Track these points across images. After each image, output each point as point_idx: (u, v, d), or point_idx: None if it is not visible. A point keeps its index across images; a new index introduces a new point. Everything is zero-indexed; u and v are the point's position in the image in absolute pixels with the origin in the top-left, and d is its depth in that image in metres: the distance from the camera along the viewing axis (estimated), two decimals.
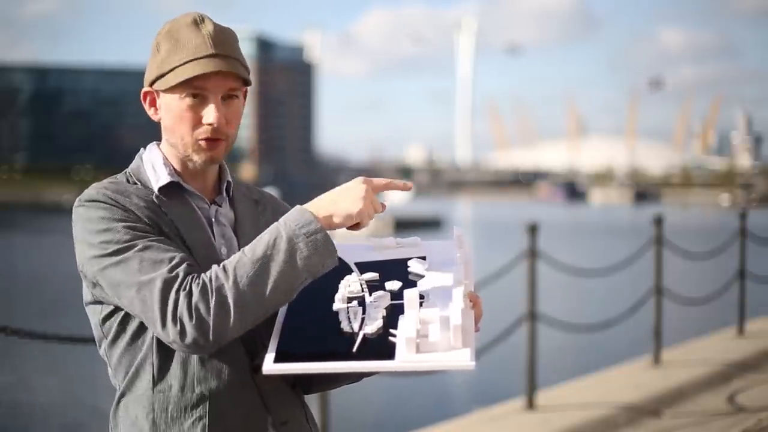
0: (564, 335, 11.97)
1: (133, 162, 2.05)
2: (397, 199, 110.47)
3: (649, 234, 9.54)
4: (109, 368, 2.00)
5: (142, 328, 1.92)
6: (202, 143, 1.96)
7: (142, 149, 2.07)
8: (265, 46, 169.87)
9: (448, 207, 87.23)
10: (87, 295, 1.97)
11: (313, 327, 1.88)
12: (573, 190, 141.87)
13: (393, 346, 1.78)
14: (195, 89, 1.93)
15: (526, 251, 7.56)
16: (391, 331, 1.81)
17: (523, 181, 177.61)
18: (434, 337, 1.75)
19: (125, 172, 2.03)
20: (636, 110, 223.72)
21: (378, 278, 1.96)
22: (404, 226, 48.54)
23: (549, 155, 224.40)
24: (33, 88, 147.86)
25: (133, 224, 1.88)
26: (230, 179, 2.09)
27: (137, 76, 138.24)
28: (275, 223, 1.85)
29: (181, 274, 1.81)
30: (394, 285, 1.93)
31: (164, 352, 1.91)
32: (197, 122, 1.95)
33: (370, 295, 1.92)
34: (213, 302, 1.78)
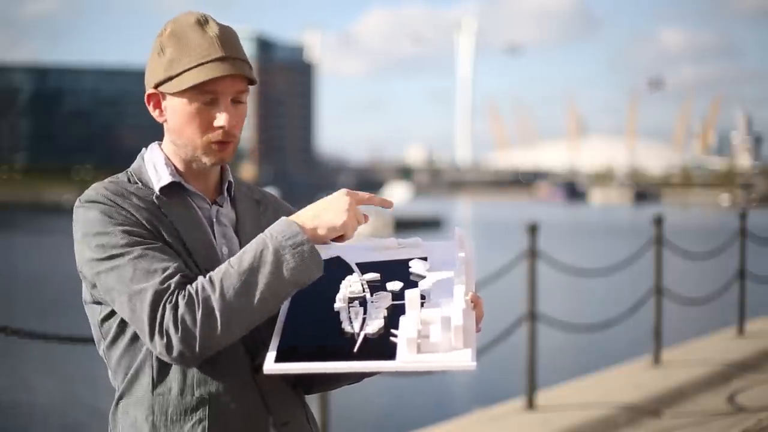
0: (564, 335, 11.97)
1: (135, 162, 2.05)
2: (397, 199, 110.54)
3: (649, 234, 9.54)
4: (108, 369, 2.00)
5: None
6: (213, 146, 1.96)
7: (144, 149, 2.07)
8: (265, 46, 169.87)
9: (448, 207, 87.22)
10: (86, 294, 1.97)
11: (314, 327, 1.87)
12: (573, 190, 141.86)
13: (394, 346, 1.78)
14: (205, 93, 1.93)
15: (526, 251, 7.56)
16: (392, 331, 1.81)
17: (523, 181, 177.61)
18: (435, 337, 1.75)
19: (127, 172, 2.03)
20: (636, 110, 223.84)
21: (379, 278, 1.96)
22: (404, 226, 48.55)
23: (549, 155, 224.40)
24: (33, 88, 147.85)
25: (131, 228, 1.88)
26: (231, 179, 2.08)
27: (137, 76, 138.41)
28: (261, 234, 1.86)
29: (172, 286, 1.81)
30: (395, 285, 1.93)
31: None
32: (208, 125, 1.95)
33: (372, 295, 1.92)
34: (199, 314, 1.78)
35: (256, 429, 1.93)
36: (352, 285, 1.93)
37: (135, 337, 1.92)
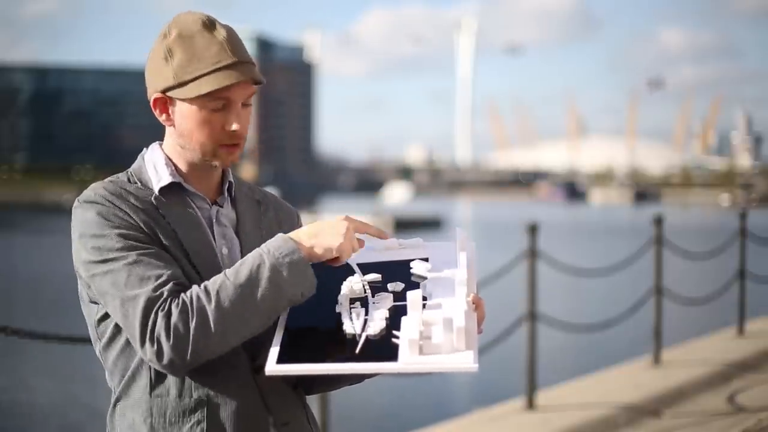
0: (564, 335, 11.97)
1: (135, 161, 2.04)
2: (397, 199, 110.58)
3: (649, 234, 9.54)
4: (105, 369, 2.00)
5: None
6: (224, 149, 1.97)
7: (144, 149, 2.07)
8: (265, 46, 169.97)
9: (448, 207, 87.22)
10: (83, 294, 1.97)
11: (315, 328, 1.87)
12: (573, 190, 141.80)
13: (396, 347, 1.78)
14: (218, 99, 1.93)
15: (526, 251, 7.56)
16: (394, 332, 1.81)
17: (523, 181, 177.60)
18: (437, 339, 1.75)
19: (127, 172, 2.02)
20: (636, 110, 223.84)
21: (380, 279, 1.96)
22: (404, 226, 48.56)
23: (549, 155, 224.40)
24: (33, 88, 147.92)
25: (127, 232, 1.87)
26: (232, 179, 2.08)
27: (137, 76, 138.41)
28: (258, 249, 1.87)
29: (165, 294, 1.81)
30: (396, 286, 1.93)
31: None
32: (219, 130, 1.95)
33: (373, 296, 1.92)
34: (193, 323, 1.79)
35: (256, 430, 1.93)
36: (353, 286, 1.93)
37: None
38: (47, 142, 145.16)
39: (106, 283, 1.85)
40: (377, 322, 1.84)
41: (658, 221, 9.22)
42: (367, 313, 1.87)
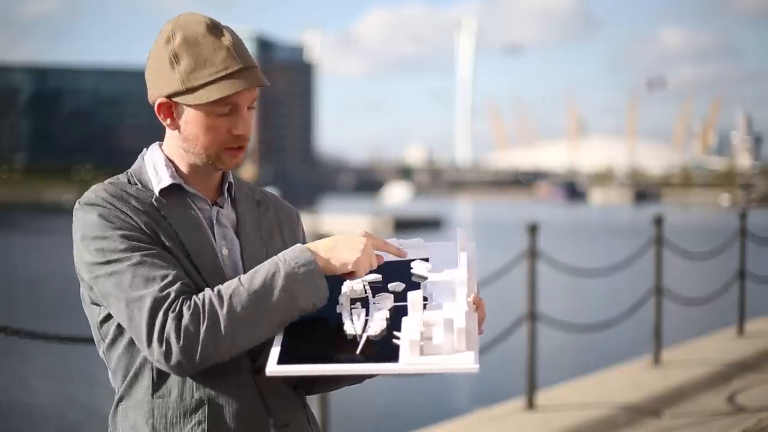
0: (564, 335, 11.98)
1: (135, 162, 2.04)
2: (398, 199, 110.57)
3: (649, 234, 9.54)
4: (108, 370, 2.00)
5: None
6: (228, 153, 1.97)
7: (144, 149, 2.07)
8: (265, 46, 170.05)
9: (448, 207, 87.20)
10: (85, 296, 1.97)
11: (316, 328, 1.87)
12: (573, 190, 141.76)
13: (396, 348, 1.78)
14: (226, 104, 1.93)
15: (526, 251, 7.56)
16: (395, 333, 1.81)
17: (523, 181, 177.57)
18: (438, 339, 1.75)
19: (127, 173, 2.02)
20: (636, 110, 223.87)
21: (381, 279, 1.96)
22: (404, 226, 48.55)
23: (549, 155, 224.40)
24: (33, 88, 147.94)
25: (129, 233, 1.87)
26: (232, 180, 2.08)
27: (137, 76, 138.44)
28: (274, 257, 1.87)
29: (172, 294, 1.81)
30: (397, 286, 1.93)
31: None
32: (226, 134, 1.95)
33: (374, 296, 1.92)
34: (204, 327, 1.79)
35: (256, 431, 1.93)
36: (354, 286, 1.93)
37: (134, 340, 1.92)
38: (47, 142, 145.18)
39: (110, 284, 1.85)
40: (378, 323, 1.84)
41: (658, 221, 9.22)
42: (367, 314, 1.87)
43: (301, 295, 1.83)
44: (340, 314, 1.89)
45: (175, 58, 1.93)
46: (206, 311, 1.80)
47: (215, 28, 1.95)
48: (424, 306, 1.83)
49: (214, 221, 2.02)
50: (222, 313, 1.80)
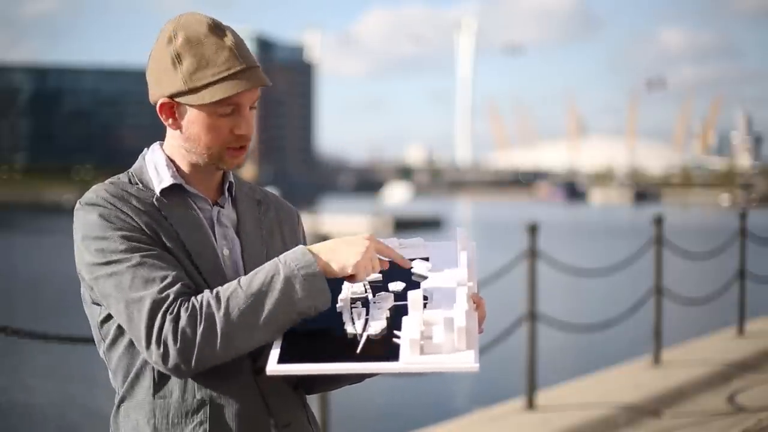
0: (564, 335, 11.98)
1: (136, 162, 2.04)
2: (397, 199, 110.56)
3: (649, 234, 9.54)
4: (108, 370, 2.00)
5: None
6: (231, 152, 1.97)
7: (145, 149, 2.06)
8: (265, 46, 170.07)
9: (448, 207, 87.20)
10: (86, 296, 1.97)
11: (316, 328, 1.87)
12: (573, 190, 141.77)
13: (397, 347, 1.78)
14: (228, 104, 1.93)
15: (526, 251, 7.56)
16: (395, 332, 1.81)
17: (523, 181, 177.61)
18: (438, 338, 1.75)
19: (128, 173, 2.02)
20: (636, 110, 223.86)
21: (381, 279, 1.96)
22: (404, 225, 48.56)
23: (549, 155, 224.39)
24: (33, 88, 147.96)
25: (130, 234, 1.87)
26: (232, 180, 2.08)
27: (137, 76, 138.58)
28: (275, 259, 1.86)
29: (171, 296, 1.81)
30: (397, 286, 1.93)
31: None
32: (228, 133, 1.95)
33: (374, 296, 1.92)
34: (201, 329, 1.79)
35: (257, 431, 1.93)
36: (354, 285, 1.93)
37: None
38: (47, 142, 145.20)
39: (110, 285, 1.85)
40: (378, 322, 1.84)
41: (658, 221, 9.22)
42: (368, 313, 1.87)
43: (301, 298, 1.82)
44: (340, 314, 1.89)
45: (177, 59, 1.92)
46: (203, 313, 1.79)
47: (217, 28, 1.95)
48: (425, 305, 1.83)
49: (215, 221, 2.02)
50: (219, 316, 1.79)
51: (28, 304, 20.50)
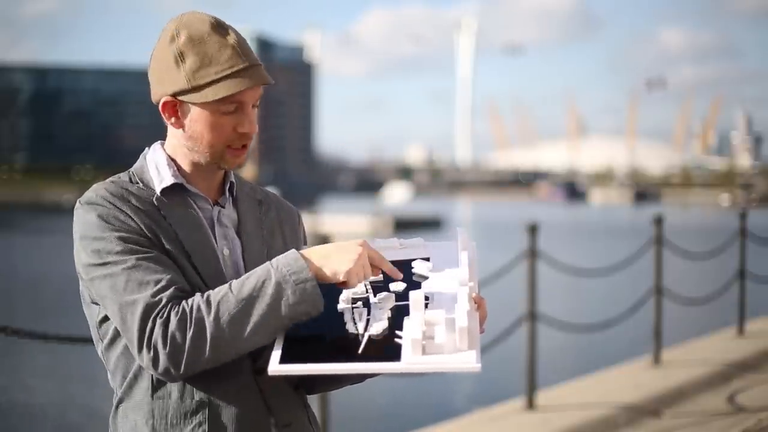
0: (564, 335, 11.98)
1: (137, 161, 2.04)
2: (397, 199, 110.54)
3: (649, 234, 9.54)
4: (107, 370, 2.00)
5: None
6: (234, 151, 1.97)
7: (146, 149, 2.06)
8: (265, 46, 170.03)
9: (448, 207, 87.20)
10: (85, 295, 1.96)
11: (318, 328, 1.87)
12: (573, 190, 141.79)
13: (398, 347, 1.78)
14: (231, 102, 1.93)
15: (526, 251, 7.56)
16: (397, 332, 1.81)
17: (523, 181, 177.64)
18: (440, 339, 1.75)
19: (129, 172, 2.02)
20: (636, 110, 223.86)
21: (382, 279, 1.95)
22: (404, 225, 48.57)
23: (549, 155, 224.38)
24: (33, 88, 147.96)
25: (127, 235, 1.87)
26: (233, 179, 2.08)
27: (137, 76, 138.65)
28: (267, 263, 1.85)
29: (164, 300, 1.81)
30: (398, 286, 1.93)
31: None
32: (231, 132, 1.95)
33: (375, 296, 1.92)
34: (190, 333, 1.78)
35: (257, 431, 1.93)
36: None
37: None
38: (47, 142, 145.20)
39: (105, 286, 1.85)
40: (380, 322, 1.84)
41: (658, 221, 9.22)
42: (369, 313, 1.87)
43: (292, 304, 1.81)
44: (341, 314, 1.89)
45: (180, 57, 1.92)
46: (193, 318, 1.79)
47: (220, 27, 1.95)
48: (426, 305, 1.83)
49: (215, 221, 2.01)
50: (209, 321, 1.79)
51: (28, 304, 20.50)
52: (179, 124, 1.97)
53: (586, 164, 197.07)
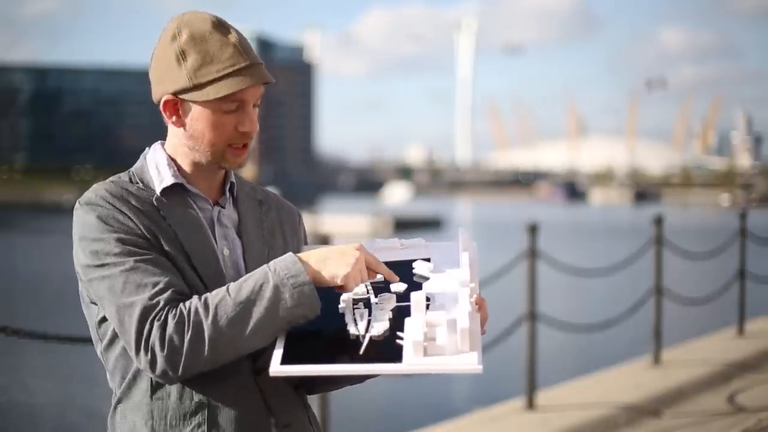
0: (564, 335, 11.98)
1: (137, 161, 2.04)
2: (397, 199, 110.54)
3: (649, 234, 9.54)
4: (106, 370, 2.00)
5: None
6: (235, 150, 1.97)
7: (147, 149, 2.06)
8: (265, 46, 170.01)
9: (448, 207, 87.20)
10: (84, 295, 1.96)
11: (319, 329, 1.87)
12: (573, 190, 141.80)
13: (400, 348, 1.78)
14: (232, 101, 1.93)
15: (526, 251, 7.56)
16: (398, 333, 1.81)
17: (523, 181, 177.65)
18: (441, 340, 1.75)
19: (129, 172, 2.01)
20: (636, 110, 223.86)
21: (383, 280, 1.95)
22: (404, 226, 48.56)
23: (549, 155, 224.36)
24: (33, 88, 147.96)
25: (126, 236, 1.87)
26: (234, 180, 2.08)
27: (137, 76, 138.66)
28: (264, 266, 1.86)
29: (161, 303, 1.81)
30: (399, 287, 1.93)
31: None
32: (232, 131, 1.95)
33: (376, 296, 1.92)
34: (188, 336, 1.78)
35: (257, 431, 1.93)
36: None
37: None
38: (47, 142, 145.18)
39: (103, 288, 1.85)
40: (381, 323, 1.83)
41: (658, 221, 9.22)
42: (370, 314, 1.87)
43: (290, 307, 1.81)
44: (342, 315, 1.89)
45: (181, 55, 1.92)
46: (191, 321, 1.79)
47: (221, 26, 1.95)
48: (427, 306, 1.82)
49: (216, 221, 2.01)
50: (207, 323, 1.79)
51: (28, 304, 20.49)
52: (180, 123, 1.97)
53: (586, 164, 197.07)
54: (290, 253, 1.88)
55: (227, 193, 2.05)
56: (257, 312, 1.80)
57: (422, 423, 7.43)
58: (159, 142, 2.06)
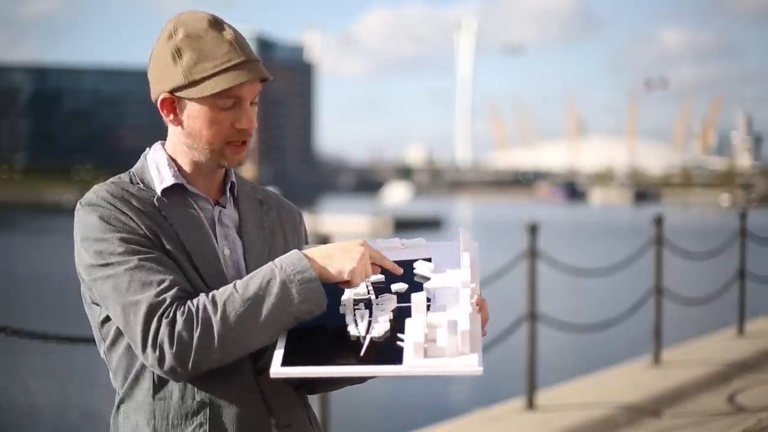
0: (564, 335, 11.98)
1: (138, 162, 2.04)
2: (397, 199, 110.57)
3: (649, 234, 9.54)
4: (109, 370, 2.00)
5: None
6: (233, 148, 1.97)
7: (147, 149, 2.06)
8: (265, 46, 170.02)
9: (448, 207, 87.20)
10: (86, 296, 1.96)
11: (319, 330, 1.87)
12: (573, 190, 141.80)
13: (400, 350, 1.78)
14: (228, 97, 1.93)
15: (526, 251, 7.56)
16: (399, 335, 1.81)
17: (523, 181, 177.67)
18: (442, 341, 1.75)
19: (129, 172, 2.02)
20: (636, 110, 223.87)
21: (383, 280, 1.95)
22: (404, 226, 48.57)
23: (549, 155, 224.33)
24: (33, 88, 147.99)
25: (129, 236, 1.87)
26: (234, 179, 2.08)
27: (137, 76, 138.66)
28: (271, 263, 1.86)
29: (167, 300, 1.81)
30: (400, 287, 1.93)
31: None
32: (229, 128, 1.95)
33: (376, 297, 1.91)
34: (197, 333, 1.79)
35: (258, 431, 1.93)
36: (356, 287, 1.93)
37: None
38: (47, 142, 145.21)
39: (108, 287, 1.85)
40: (381, 325, 1.83)
41: (658, 221, 9.22)
42: (371, 315, 1.87)
43: (297, 303, 1.82)
44: (343, 316, 1.89)
45: (177, 53, 1.93)
46: (200, 318, 1.79)
47: (217, 24, 1.95)
48: (428, 307, 1.82)
49: (216, 221, 2.01)
50: (215, 320, 1.79)
51: (28, 304, 20.50)
52: (177, 121, 1.97)
53: (586, 164, 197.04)
54: (295, 250, 1.89)
55: (228, 193, 2.05)
56: (266, 308, 1.81)
57: (422, 423, 7.43)
58: (159, 142, 2.06)
